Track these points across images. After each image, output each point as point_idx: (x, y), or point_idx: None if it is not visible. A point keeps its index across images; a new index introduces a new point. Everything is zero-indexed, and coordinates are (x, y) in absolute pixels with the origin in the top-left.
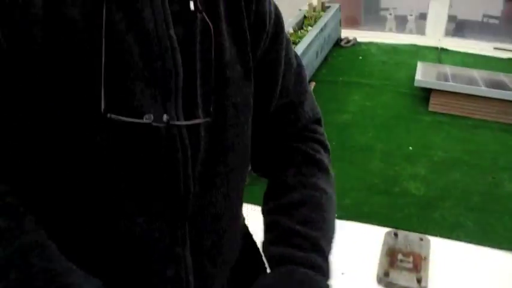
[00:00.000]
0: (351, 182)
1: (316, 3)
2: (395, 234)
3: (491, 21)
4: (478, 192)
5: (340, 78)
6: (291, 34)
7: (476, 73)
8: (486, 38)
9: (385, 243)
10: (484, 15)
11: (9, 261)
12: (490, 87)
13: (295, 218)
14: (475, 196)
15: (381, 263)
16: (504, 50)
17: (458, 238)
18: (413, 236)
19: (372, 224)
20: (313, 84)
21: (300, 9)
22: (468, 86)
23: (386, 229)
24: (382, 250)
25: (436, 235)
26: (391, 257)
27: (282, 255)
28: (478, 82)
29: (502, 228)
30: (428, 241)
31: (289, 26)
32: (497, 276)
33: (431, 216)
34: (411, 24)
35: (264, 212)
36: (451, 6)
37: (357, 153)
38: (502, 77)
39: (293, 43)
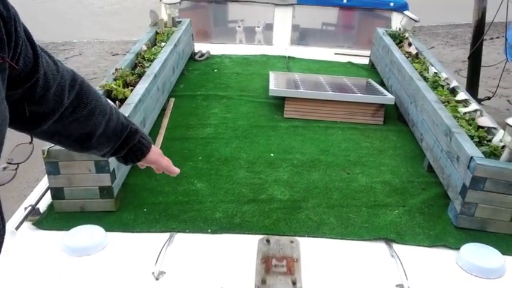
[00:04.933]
0: (219, 195)
1: (167, 18)
2: (268, 241)
3: (330, 28)
4: (337, 189)
5: (199, 92)
6: (145, 51)
7: (322, 78)
8: (327, 44)
9: (259, 250)
10: (324, 23)
11: None
12: (335, 91)
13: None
14: (335, 193)
15: (257, 271)
16: (343, 54)
17: (323, 235)
18: (284, 239)
19: (244, 233)
20: (172, 100)
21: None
22: (317, 92)
23: (259, 236)
24: (257, 258)
25: (304, 235)
26: (266, 264)
27: None
28: (324, 87)
29: (360, 220)
30: (298, 243)
31: (141, 43)
32: (361, 265)
33: (297, 218)
34: (259, 35)
35: None
36: (294, 16)
37: (222, 166)
38: (344, 80)
39: (148, 60)
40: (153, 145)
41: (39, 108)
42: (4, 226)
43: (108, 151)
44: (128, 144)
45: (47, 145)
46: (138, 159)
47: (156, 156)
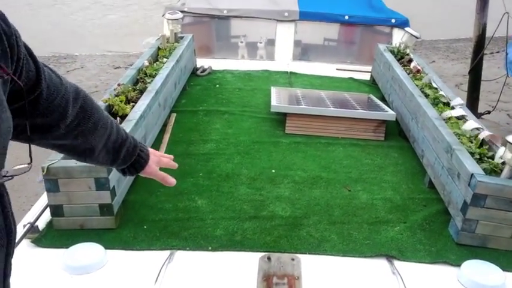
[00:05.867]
0: (220, 211)
1: (169, 34)
2: (269, 258)
3: (331, 44)
4: (338, 206)
5: (200, 107)
6: (147, 67)
7: (323, 94)
8: (328, 59)
9: (260, 268)
10: (325, 39)
11: None
12: (337, 107)
13: None
14: (336, 210)
15: None
16: (345, 70)
17: (325, 252)
18: (285, 257)
19: (245, 250)
20: (174, 115)
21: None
22: (319, 108)
23: (260, 254)
24: (258, 276)
25: (305, 253)
26: (267, 282)
27: None
28: (326, 103)
29: (362, 237)
30: (299, 260)
31: (143, 59)
32: (362, 282)
33: (299, 235)
34: (261, 50)
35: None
36: (296, 32)
37: (223, 182)
38: (345, 96)
39: (150, 76)
40: (151, 156)
41: (45, 119)
42: (8, 227)
43: (107, 164)
44: (126, 159)
45: (46, 162)
46: (136, 172)
47: (152, 170)
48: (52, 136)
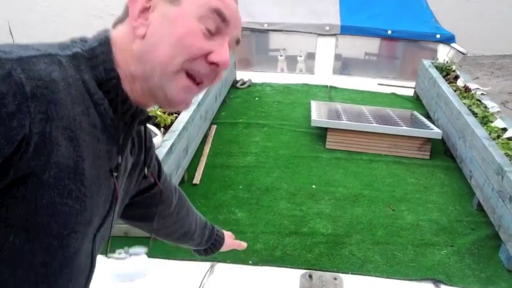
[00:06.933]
0: (260, 225)
1: None
2: (310, 276)
3: (372, 58)
4: (382, 226)
5: (240, 120)
6: None
7: (365, 109)
8: (369, 74)
9: (301, 285)
10: (366, 53)
11: None
12: (379, 123)
13: None
14: (379, 230)
15: None
16: (387, 85)
17: (368, 273)
18: (328, 276)
19: (286, 267)
20: (214, 127)
21: None
22: (361, 124)
23: (301, 271)
24: None
25: (347, 272)
26: None
27: None
28: (368, 118)
29: (407, 259)
30: (342, 280)
31: None
32: None
33: (341, 254)
34: (301, 64)
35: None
36: (337, 46)
37: (263, 195)
38: (388, 112)
39: None
40: (225, 232)
41: (157, 208)
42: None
43: (195, 245)
44: (210, 239)
45: None
46: (218, 249)
47: (229, 244)
48: (160, 220)
